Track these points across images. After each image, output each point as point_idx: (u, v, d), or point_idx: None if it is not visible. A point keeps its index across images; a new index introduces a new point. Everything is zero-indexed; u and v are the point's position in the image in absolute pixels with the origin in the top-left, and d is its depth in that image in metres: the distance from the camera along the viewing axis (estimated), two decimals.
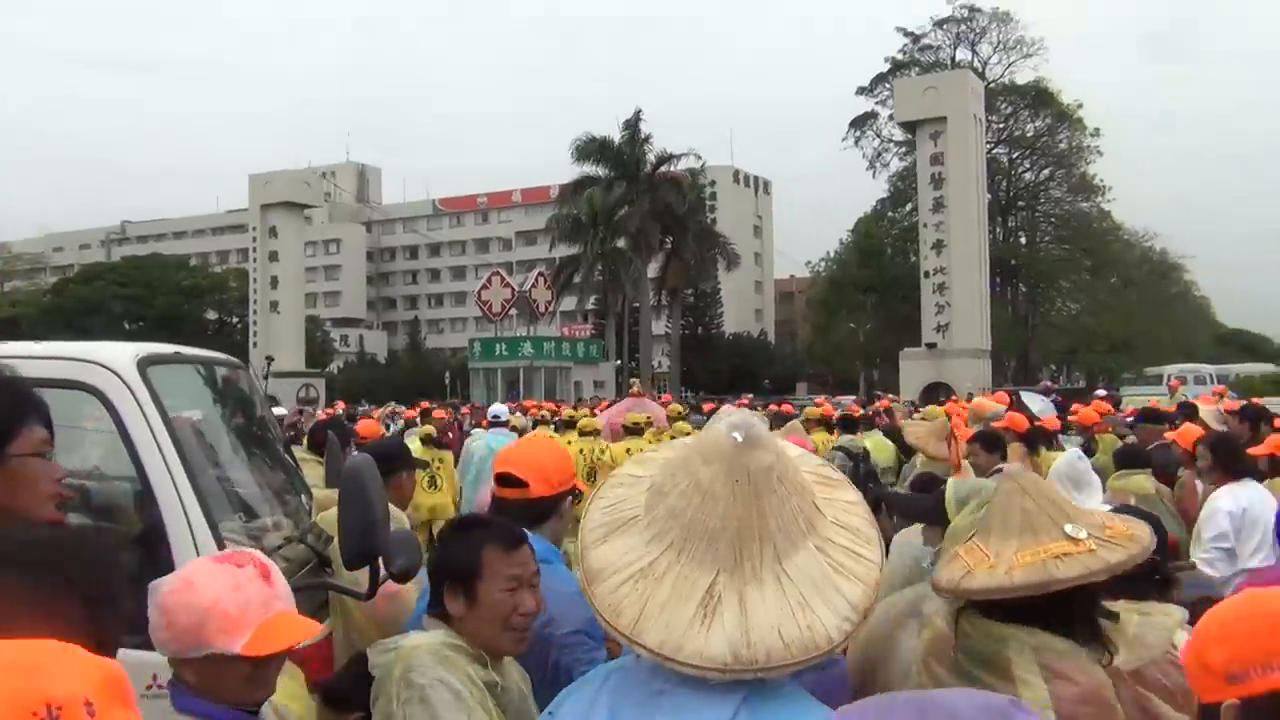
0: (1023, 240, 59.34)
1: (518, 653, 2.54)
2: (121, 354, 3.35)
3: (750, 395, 35.87)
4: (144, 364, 3.34)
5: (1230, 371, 40.07)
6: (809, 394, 46.32)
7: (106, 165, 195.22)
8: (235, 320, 66.69)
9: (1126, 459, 6.28)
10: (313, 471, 5.65)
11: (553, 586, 2.67)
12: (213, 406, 4.16)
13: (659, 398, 20.54)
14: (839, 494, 1.56)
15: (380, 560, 3.12)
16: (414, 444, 11.51)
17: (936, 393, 30.52)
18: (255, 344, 49.70)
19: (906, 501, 3.40)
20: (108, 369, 3.27)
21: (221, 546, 3.17)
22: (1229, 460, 5.40)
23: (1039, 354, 58.79)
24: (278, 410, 14.77)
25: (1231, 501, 5.13)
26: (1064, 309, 59.46)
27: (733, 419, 1.45)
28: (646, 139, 52.09)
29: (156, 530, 3.21)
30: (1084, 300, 57.97)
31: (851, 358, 61.77)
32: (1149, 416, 8.01)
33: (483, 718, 2.28)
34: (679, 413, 11.99)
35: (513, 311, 47.31)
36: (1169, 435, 7.48)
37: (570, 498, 3.07)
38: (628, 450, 10.66)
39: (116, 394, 3.25)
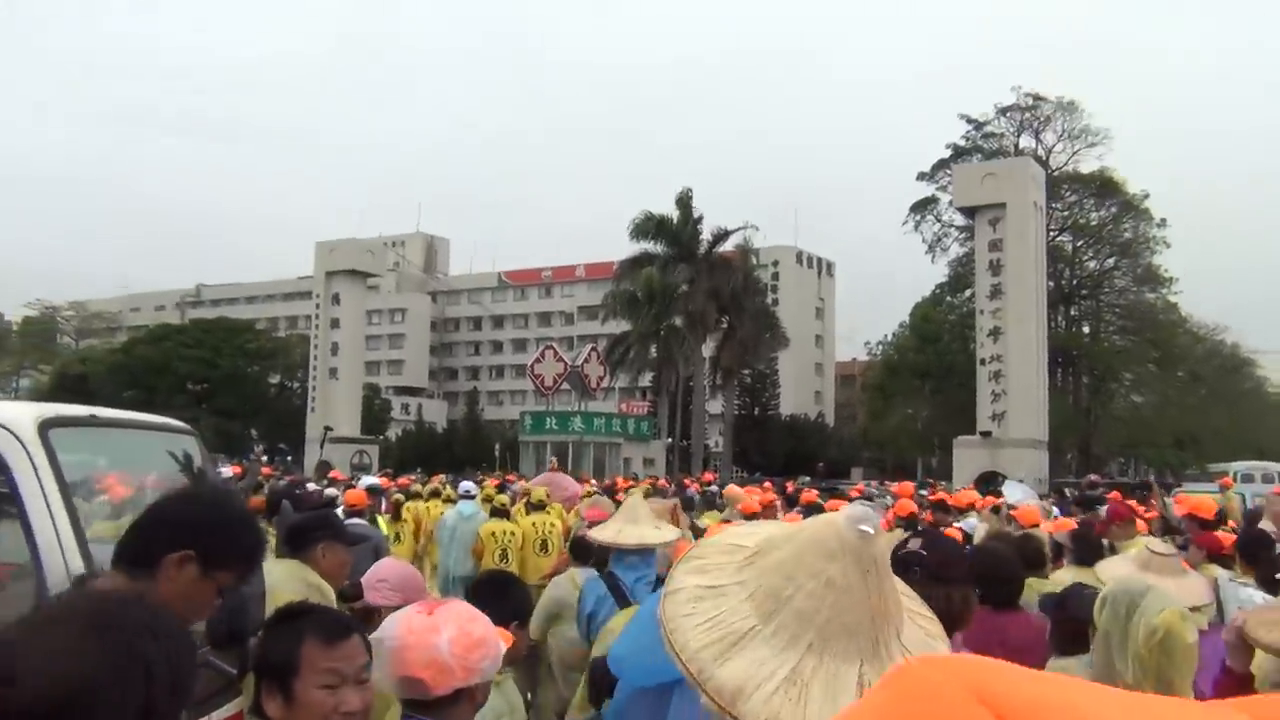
0: (1085, 330, 58.24)
1: None
2: (22, 415, 3.26)
3: (807, 479, 35.33)
4: (45, 426, 3.26)
5: None
6: (865, 479, 45.50)
7: (187, 226, 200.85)
8: (295, 385, 67.79)
9: None
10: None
11: None
12: (137, 473, 4.09)
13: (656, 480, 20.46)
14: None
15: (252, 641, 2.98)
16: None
17: (991, 482, 29.86)
18: (313, 409, 50.38)
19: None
20: (6, 430, 3.19)
21: None
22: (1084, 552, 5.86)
23: (1101, 446, 57.29)
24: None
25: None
26: (1128, 400, 57.99)
27: (852, 512, 1.47)
28: (699, 219, 52.33)
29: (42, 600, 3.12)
30: (1149, 393, 56.51)
31: (908, 443, 60.77)
32: None
33: None
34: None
35: (565, 386, 47.44)
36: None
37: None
38: (533, 524, 10.59)
39: (14, 456, 3.17)
